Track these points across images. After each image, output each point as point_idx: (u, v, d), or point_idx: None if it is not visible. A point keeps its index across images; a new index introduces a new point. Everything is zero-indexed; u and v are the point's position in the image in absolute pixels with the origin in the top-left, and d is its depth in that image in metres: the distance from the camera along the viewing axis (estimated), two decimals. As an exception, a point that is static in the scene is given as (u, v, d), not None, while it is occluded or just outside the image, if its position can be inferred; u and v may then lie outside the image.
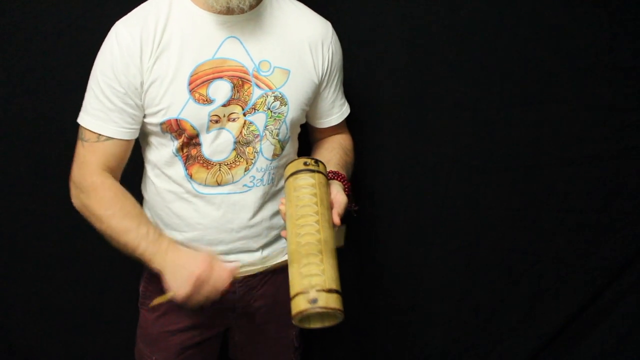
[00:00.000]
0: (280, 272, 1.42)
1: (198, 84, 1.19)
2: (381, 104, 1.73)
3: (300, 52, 1.27)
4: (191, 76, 1.19)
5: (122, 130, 1.22)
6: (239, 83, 1.22)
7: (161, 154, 1.27)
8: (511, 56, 1.69)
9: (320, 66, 1.30)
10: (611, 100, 1.72)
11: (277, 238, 1.40)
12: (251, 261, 1.37)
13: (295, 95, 1.27)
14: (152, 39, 1.17)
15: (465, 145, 1.77)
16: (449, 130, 1.75)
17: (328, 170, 1.25)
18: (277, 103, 1.25)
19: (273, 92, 1.24)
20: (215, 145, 1.24)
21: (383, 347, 2.00)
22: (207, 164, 1.26)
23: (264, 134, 1.27)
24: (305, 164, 1.19)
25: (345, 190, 1.23)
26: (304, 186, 1.15)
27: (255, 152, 1.27)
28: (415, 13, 1.65)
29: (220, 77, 1.20)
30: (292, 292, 1.06)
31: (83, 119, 1.23)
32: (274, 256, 1.41)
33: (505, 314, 1.93)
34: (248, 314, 1.44)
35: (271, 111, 1.25)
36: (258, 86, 1.23)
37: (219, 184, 1.28)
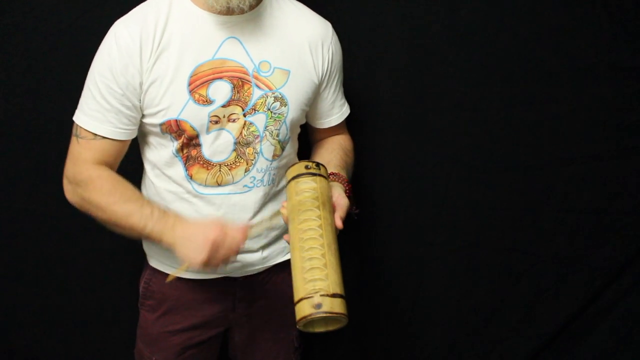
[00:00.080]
0: (280, 273, 1.42)
1: (198, 84, 1.19)
2: (381, 104, 1.73)
3: (300, 53, 1.27)
4: (191, 77, 1.18)
5: (117, 130, 1.21)
6: (239, 84, 1.21)
7: (161, 155, 1.27)
8: (511, 56, 1.69)
9: (320, 66, 1.30)
10: (611, 100, 1.72)
11: (277, 238, 1.40)
12: (251, 261, 1.37)
13: (295, 95, 1.27)
14: (152, 39, 1.17)
15: (465, 145, 1.76)
16: (449, 130, 1.75)
17: (329, 172, 1.25)
18: (277, 104, 1.25)
19: (273, 93, 1.24)
20: (216, 146, 1.24)
21: (383, 347, 2.00)
22: (207, 164, 1.26)
23: (264, 134, 1.26)
24: (306, 167, 1.19)
25: (346, 192, 1.23)
26: (306, 190, 1.15)
27: (255, 152, 1.27)
28: (415, 13, 1.65)
29: (220, 78, 1.20)
30: (296, 297, 1.06)
31: (79, 118, 1.23)
32: (274, 256, 1.41)
33: (505, 314, 1.93)
34: (248, 313, 1.44)
35: (271, 112, 1.25)
36: (258, 87, 1.23)
37: (219, 185, 1.28)
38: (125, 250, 1.71)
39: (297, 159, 1.40)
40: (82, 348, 1.84)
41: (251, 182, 1.29)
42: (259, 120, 1.25)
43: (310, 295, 1.03)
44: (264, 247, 1.38)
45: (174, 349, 1.41)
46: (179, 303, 1.39)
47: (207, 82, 1.19)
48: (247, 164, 1.27)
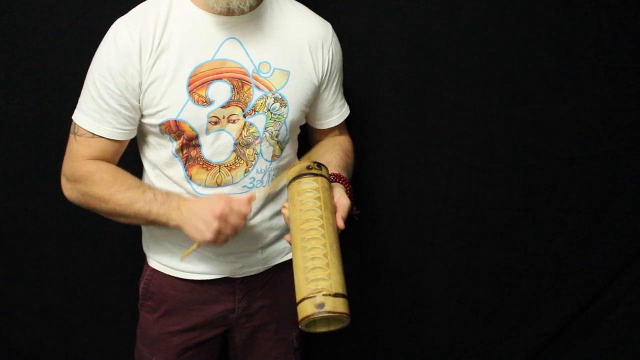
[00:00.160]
0: (280, 273, 1.42)
1: (197, 85, 1.19)
2: (381, 104, 1.73)
3: (300, 54, 1.27)
4: (190, 77, 1.18)
5: (115, 131, 1.21)
6: (239, 84, 1.21)
7: (160, 155, 1.27)
8: (511, 56, 1.69)
9: (320, 67, 1.30)
10: (611, 100, 1.72)
11: (277, 239, 1.40)
12: (251, 262, 1.38)
13: (295, 96, 1.27)
14: (152, 39, 1.16)
15: (465, 145, 1.76)
16: (449, 130, 1.75)
17: (329, 172, 1.25)
18: (277, 104, 1.25)
19: (273, 94, 1.24)
20: (215, 146, 1.24)
21: (383, 347, 2.00)
22: (207, 165, 1.26)
23: (263, 135, 1.26)
24: (308, 167, 1.19)
25: (347, 193, 1.23)
26: (308, 190, 1.15)
27: (255, 153, 1.27)
28: (415, 13, 1.65)
29: (220, 79, 1.20)
30: (299, 297, 1.06)
31: (78, 117, 1.23)
32: (274, 257, 1.41)
33: (505, 314, 1.93)
34: (248, 314, 1.44)
35: (271, 113, 1.25)
36: (258, 87, 1.23)
37: (218, 185, 1.28)
38: (125, 250, 1.72)
39: (296, 160, 1.40)
40: (82, 348, 1.84)
41: (251, 183, 1.29)
42: (258, 121, 1.25)
43: (312, 295, 1.03)
44: (263, 248, 1.38)
45: (174, 349, 1.41)
46: (179, 304, 1.39)
47: (207, 83, 1.19)
48: (246, 165, 1.27)
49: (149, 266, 1.42)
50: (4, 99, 1.57)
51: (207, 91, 1.19)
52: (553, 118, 1.74)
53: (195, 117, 1.20)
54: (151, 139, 1.27)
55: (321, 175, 1.18)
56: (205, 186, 1.27)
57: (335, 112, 1.40)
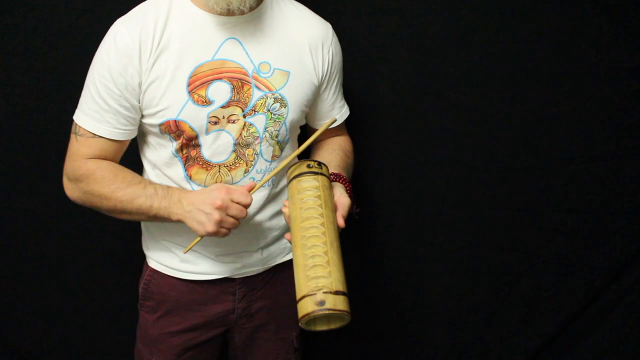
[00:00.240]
0: (280, 273, 1.42)
1: (197, 85, 1.19)
2: (381, 104, 1.73)
3: (300, 54, 1.27)
4: (190, 77, 1.18)
5: (115, 131, 1.21)
6: (239, 84, 1.21)
7: (160, 155, 1.27)
8: (511, 56, 1.69)
9: (320, 68, 1.30)
10: (611, 100, 1.72)
11: (277, 239, 1.40)
12: (251, 262, 1.38)
13: (295, 96, 1.27)
14: (152, 39, 1.16)
15: (465, 145, 1.76)
16: (449, 130, 1.75)
17: (330, 172, 1.25)
18: (277, 105, 1.25)
19: (273, 94, 1.24)
20: (215, 146, 1.24)
21: (383, 347, 2.00)
22: (206, 165, 1.26)
23: (263, 135, 1.26)
24: (308, 166, 1.19)
25: (347, 192, 1.23)
26: (308, 188, 1.15)
27: (255, 153, 1.27)
28: (415, 13, 1.65)
29: (220, 79, 1.20)
30: (299, 294, 1.06)
31: (79, 117, 1.23)
32: (274, 257, 1.41)
33: (505, 314, 1.93)
34: (248, 314, 1.44)
35: (271, 113, 1.25)
36: (258, 88, 1.23)
37: (218, 185, 1.28)
38: (125, 250, 1.72)
39: (296, 160, 1.40)
40: (82, 348, 1.84)
41: (250, 183, 1.29)
42: (258, 121, 1.25)
43: (313, 293, 1.03)
44: (263, 248, 1.38)
45: (173, 350, 1.41)
46: (179, 304, 1.39)
47: (207, 83, 1.19)
48: (246, 165, 1.27)
49: (148, 266, 1.42)
50: (4, 99, 1.57)
51: (207, 91, 1.19)
52: (553, 118, 1.74)
53: (195, 117, 1.20)
54: (151, 139, 1.27)
55: (321, 174, 1.18)
56: (205, 186, 1.27)
57: (335, 112, 1.40)
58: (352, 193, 1.26)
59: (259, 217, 1.34)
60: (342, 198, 1.20)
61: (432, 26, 1.66)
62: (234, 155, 1.26)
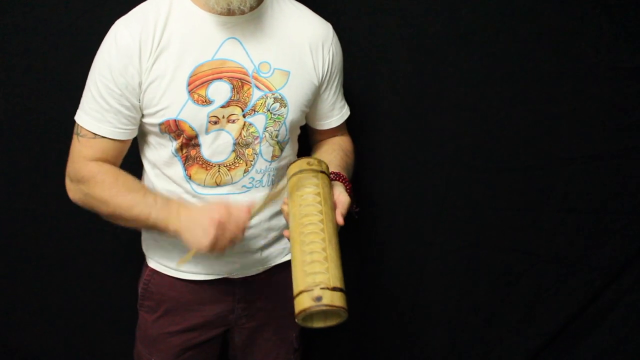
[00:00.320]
0: (279, 274, 1.42)
1: (197, 84, 1.19)
2: (381, 104, 1.73)
3: (300, 54, 1.27)
4: (190, 77, 1.18)
5: (117, 130, 1.21)
6: (239, 84, 1.21)
7: (160, 154, 1.27)
8: (511, 56, 1.68)
9: (321, 68, 1.30)
10: (611, 100, 1.72)
11: (277, 239, 1.40)
12: (251, 262, 1.38)
13: (295, 96, 1.27)
14: (152, 38, 1.17)
15: (465, 145, 1.76)
16: (449, 130, 1.75)
17: (330, 171, 1.25)
18: (277, 105, 1.25)
19: (273, 94, 1.24)
20: (215, 146, 1.24)
21: (383, 347, 2.00)
22: (206, 165, 1.26)
23: (263, 135, 1.26)
24: (308, 163, 1.19)
25: (347, 191, 1.23)
26: (308, 186, 1.15)
27: (254, 153, 1.27)
28: (415, 13, 1.65)
29: (220, 78, 1.20)
30: (296, 290, 1.05)
31: (80, 117, 1.23)
32: (273, 257, 1.41)
33: (505, 314, 1.93)
34: (247, 315, 1.44)
35: (271, 113, 1.25)
36: (258, 87, 1.23)
37: (218, 185, 1.28)
38: (124, 250, 1.72)
39: (297, 158, 1.40)
40: (82, 348, 1.84)
41: (250, 183, 1.29)
42: (258, 121, 1.25)
43: (310, 288, 1.03)
44: (263, 248, 1.38)
45: (173, 350, 1.41)
46: (178, 304, 1.39)
47: (207, 83, 1.19)
48: (246, 165, 1.27)
49: (148, 266, 1.42)
50: (4, 99, 1.57)
51: (207, 91, 1.20)
52: (553, 118, 1.74)
53: (195, 116, 1.20)
54: (151, 139, 1.27)
55: (321, 172, 1.18)
56: (205, 186, 1.27)
57: (335, 112, 1.40)
58: (352, 192, 1.26)
59: (258, 218, 1.34)
60: (341, 196, 1.19)
61: (432, 26, 1.66)
62: (233, 155, 1.26)
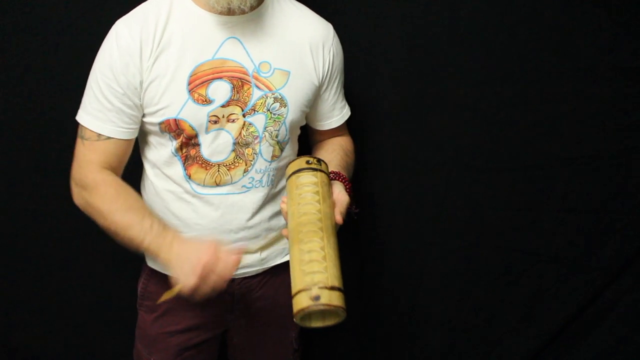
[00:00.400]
0: (279, 274, 1.42)
1: (197, 84, 1.19)
2: (381, 104, 1.73)
3: (300, 54, 1.27)
4: (190, 76, 1.18)
5: (120, 130, 1.21)
6: (239, 84, 1.21)
7: (160, 154, 1.27)
8: (511, 56, 1.69)
9: (321, 68, 1.30)
10: (611, 100, 1.72)
11: (276, 240, 1.39)
12: (250, 262, 1.37)
13: (295, 96, 1.27)
14: (152, 38, 1.17)
15: (465, 145, 1.76)
16: (449, 130, 1.75)
17: (329, 171, 1.25)
18: (277, 104, 1.25)
19: (273, 94, 1.24)
20: (215, 146, 1.24)
21: (383, 347, 2.00)
22: (205, 164, 1.26)
23: (263, 135, 1.26)
24: (307, 162, 1.19)
25: (346, 191, 1.23)
26: (307, 184, 1.15)
27: (254, 153, 1.27)
28: (415, 13, 1.65)
29: (220, 78, 1.20)
30: (294, 289, 1.05)
31: (82, 118, 1.23)
32: (272, 258, 1.41)
33: (505, 314, 1.93)
34: (247, 315, 1.44)
35: (271, 112, 1.25)
36: (258, 87, 1.23)
37: (217, 185, 1.28)
38: (124, 250, 1.71)
39: (295, 157, 1.40)
40: (82, 348, 1.84)
41: (250, 183, 1.29)
42: (258, 120, 1.25)
43: (308, 288, 1.02)
44: (262, 249, 1.38)
45: (172, 349, 1.41)
46: (177, 304, 1.39)
47: (207, 82, 1.19)
48: (246, 165, 1.27)
49: (147, 266, 1.42)
50: (4, 99, 1.57)
51: (207, 90, 1.20)
52: (553, 118, 1.74)
53: (195, 116, 1.20)
54: (151, 139, 1.27)
55: (320, 171, 1.18)
56: (204, 185, 1.27)
57: (336, 113, 1.40)
58: (352, 192, 1.26)
59: (258, 218, 1.34)
60: (340, 195, 1.19)
61: (432, 26, 1.66)
62: (233, 154, 1.26)
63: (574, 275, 1.87)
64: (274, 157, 1.30)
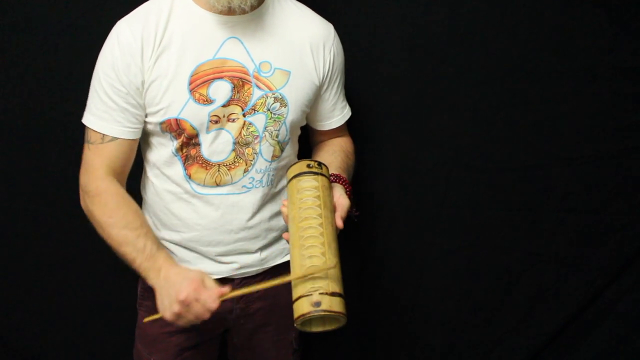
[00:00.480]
0: (279, 274, 1.42)
1: (198, 83, 1.19)
2: (381, 104, 1.72)
3: (301, 54, 1.27)
4: (191, 76, 1.19)
5: (125, 129, 1.22)
6: (239, 84, 1.21)
7: (160, 154, 1.27)
8: (511, 56, 1.69)
9: (322, 68, 1.30)
10: (611, 100, 1.72)
11: (276, 240, 1.40)
12: (250, 262, 1.37)
13: (296, 96, 1.27)
14: (153, 38, 1.17)
15: (465, 145, 1.76)
16: (449, 130, 1.75)
17: (330, 173, 1.25)
18: (277, 104, 1.25)
19: (273, 93, 1.24)
20: (215, 145, 1.24)
21: (383, 347, 2.00)
22: (206, 164, 1.26)
23: (263, 135, 1.26)
24: (308, 166, 1.19)
25: (347, 194, 1.23)
26: (307, 188, 1.15)
27: (254, 153, 1.27)
28: (415, 13, 1.65)
29: (221, 78, 1.20)
30: (295, 295, 1.05)
31: (87, 119, 1.23)
32: (272, 258, 1.41)
33: (505, 314, 1.93)
34: (247, 315, 1.44)
35: (271, 112, 1.25)
36: (258, 87, 1.23)
37: (217, 185, 1.28)
38: (125, 250, 1.71)
39: (297, 160, 1.40)
40: (82, 348, 1.84)
41: (250, 183, 1.29)
42: (258, 120, 1.25)
43: (309, 293, 1.03)
44: (262, 249, 1.38)
45: (172, 349, 1.41)
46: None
47: (208, 82, 1.19)
48: (246, 165, 1.27)
49: (148, 266, 1.42)
50: (4, 99, 1.57)
51: (208, 90, 1.20)
52: (553, 118, 1.74)
53: (196, 115, 1.20)
54: (151, 139, 1.27)
55: (321, 174, 1.18)
56: (205, 185, 1.27)
57: (336, 113, 1.40)
58: (352, 195, 1.26)
59: (258, 218, 1.34)
60: (341, 199, 1.19)
61: (432, 26, 1.66)
62: (233, 154, 1.26)
63: (574, 275, 1.87)
64: (274, 157, 1.30)
